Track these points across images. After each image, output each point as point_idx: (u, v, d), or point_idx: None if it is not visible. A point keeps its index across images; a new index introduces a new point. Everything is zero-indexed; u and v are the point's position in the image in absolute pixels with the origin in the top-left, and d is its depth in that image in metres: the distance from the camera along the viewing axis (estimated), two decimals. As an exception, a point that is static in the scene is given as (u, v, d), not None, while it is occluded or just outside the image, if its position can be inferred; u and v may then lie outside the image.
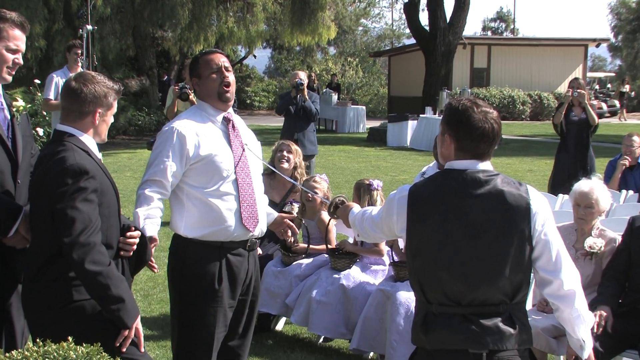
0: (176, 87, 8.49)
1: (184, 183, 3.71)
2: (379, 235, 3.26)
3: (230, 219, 3.74)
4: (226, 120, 3.85)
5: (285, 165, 6.26)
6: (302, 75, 10.08)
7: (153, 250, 3.62)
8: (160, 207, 3.67)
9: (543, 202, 2.99)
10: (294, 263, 5.67)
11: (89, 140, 3.24)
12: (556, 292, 2.96)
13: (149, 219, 3.61)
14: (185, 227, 3.72)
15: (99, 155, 3.33)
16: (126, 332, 3.11)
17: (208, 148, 3.71)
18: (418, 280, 2.95)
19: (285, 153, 6.31)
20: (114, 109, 3.33)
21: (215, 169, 3.72)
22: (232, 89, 3.85)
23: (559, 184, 9.18)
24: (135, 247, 3.37)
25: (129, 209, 10.55)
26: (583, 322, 2.98)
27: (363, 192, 5.65)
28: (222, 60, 3.82)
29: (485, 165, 2.98)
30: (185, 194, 3.72)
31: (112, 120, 3.35)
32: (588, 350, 3.03)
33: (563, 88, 30.02)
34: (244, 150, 3.85)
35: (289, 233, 4.25)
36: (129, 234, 3.33)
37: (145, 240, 3.47)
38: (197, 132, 3.72)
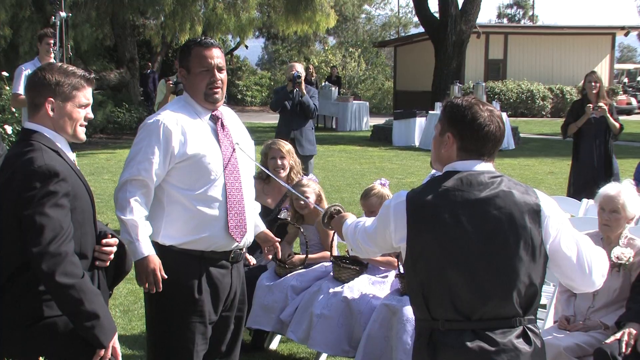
0: (169, 81, 8.46)
1: (166, 183, 3.70)
2: (373, 249, 3.25)
3: (214, 226, 3.74)
4: (214, 118, 3.85)
5: (282, 173, 6.22)
6: (299, 68, 10.06)
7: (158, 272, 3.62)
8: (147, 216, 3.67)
9: (554, 205, 3.02)
10: (290, 275, 5.65)
11: (58, 138, 3.21)
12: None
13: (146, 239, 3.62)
14: (164, 233, 3.71)
15: (72, 155, 3.30)
16: (102, 352, 3.09)
17: (196, 147, 3.70)
18: (422, 295, 2.95)
19: (279, 161, 6.25)
20: (79, 101, 3.22)
21: (202, 170, 3.71)
22: (222, 89, 3.85)
23: (578, 191, 9.22)
24: (112, 256, 3.35)
25: (108, 215, 10.55)
26: None
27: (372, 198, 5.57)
28: (217, 57, 3.80)
29: (489, 167, 3.00)
30: (167, 196, 3.71)
31: (82, 114, 3.25)
32: None
33: (587, 81, 30.03)
34: (234, 150, 3.84)
35: (269, 256, 4.30)
36: (104, 241, 3.30)
37: (124, 250, 3.45)
38: (184, 127, 3.71)
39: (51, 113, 3.19)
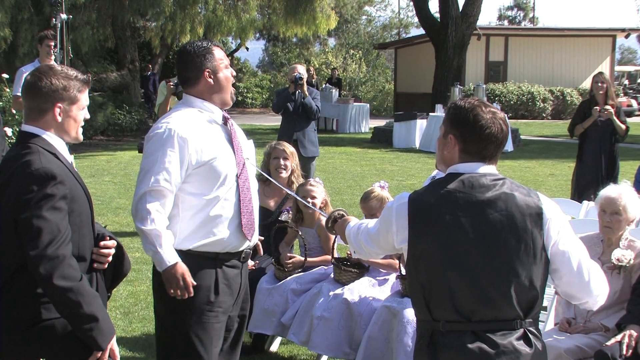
0: (170, 83, 8.45)
1: (181, 190, 3.66)
2: (375, 250, 3.25)
3: (229, 227, 3.74)
4: (224, 119, 3.85)
5: (284, 174, 6.22)
6: (301, 69, 10.06)
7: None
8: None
9: (556, 208, 3.02)
10: (289, 278, 5.65)
11: (56, 141, 3.22)
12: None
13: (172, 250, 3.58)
14: (179, 237, 3.66)
15: (70, 157, 3.30)
16: (99, 354, 3.10)
17: (211, 152, 3.68)
18: (423, 296, 2.95)
19: (281, 161, 6.26)
20: (82, 103, 3.27)
21: (217, 174, 3.69)
22: None
23: (580, 192, 9.23)
24: (110, 258, 3.34)
25: (108, 216, 10.56)
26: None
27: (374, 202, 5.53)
28: None
29: (492, 169, 3.01)
30: (182, 201, 3.66)
31: (83, 115, 3.30)
32: None
33: (588, 83, 30.06)
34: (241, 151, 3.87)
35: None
36: (103, 243, 3.30)
37: (122, 251, 3.45)
38: (198, 134, 3.68)
39: (59, 118, 3.20)
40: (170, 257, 3.55)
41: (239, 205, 3.77)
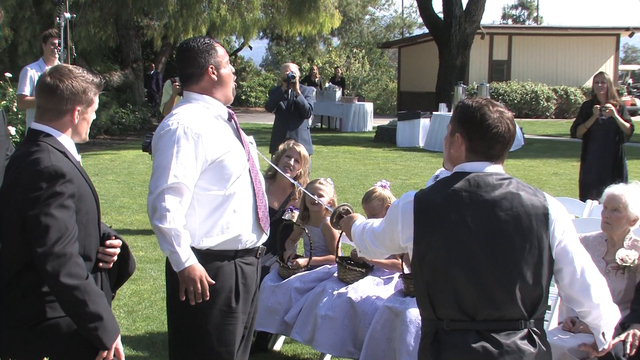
0: (176, 83, 8.47)
1: (197, 187, 3.63)
2: (380, 249, 3.26)
3: (247, 221, 3.74)
4: (229, 114, 3.87)
5: (289, 174, 6.22)
6: (294, 68, 10.13)
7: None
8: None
9: (562, 209, 3.03)
10: (293, 276, 5.65)
11: (66, 141, 3.23)
12: (587, 316, 3.04)
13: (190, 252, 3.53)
14: (198, 237, 3.63)
15: (78, 157, 3.32)
16: (105, 354, 3.10)
17: (223, 147, 3.69)
18: (427, 295, 2.96)
19: (291, 162, 6.25)
20: (95, 105, 3.30)
21: (232, 168, 3.70)
22: None
23: (584, 192, 9.21)
24: (116, 258, 3.35)
25: (112, 215, 10.56)
26: (609, 329, 3.09)
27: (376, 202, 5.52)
28: None
29: (498, 169, 3.01)
30: (197, 200, 3.63)
31: (93, 117, 3.33)
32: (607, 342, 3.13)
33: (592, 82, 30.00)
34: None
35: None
36: (108, 242, 3.31)
37: (127, 251, 3.45)
38: (210, 129, 3.68)
39: (76, 120, 3.22)
40: (187, 259, 3.49)
41: (254, 198, 3.79)
